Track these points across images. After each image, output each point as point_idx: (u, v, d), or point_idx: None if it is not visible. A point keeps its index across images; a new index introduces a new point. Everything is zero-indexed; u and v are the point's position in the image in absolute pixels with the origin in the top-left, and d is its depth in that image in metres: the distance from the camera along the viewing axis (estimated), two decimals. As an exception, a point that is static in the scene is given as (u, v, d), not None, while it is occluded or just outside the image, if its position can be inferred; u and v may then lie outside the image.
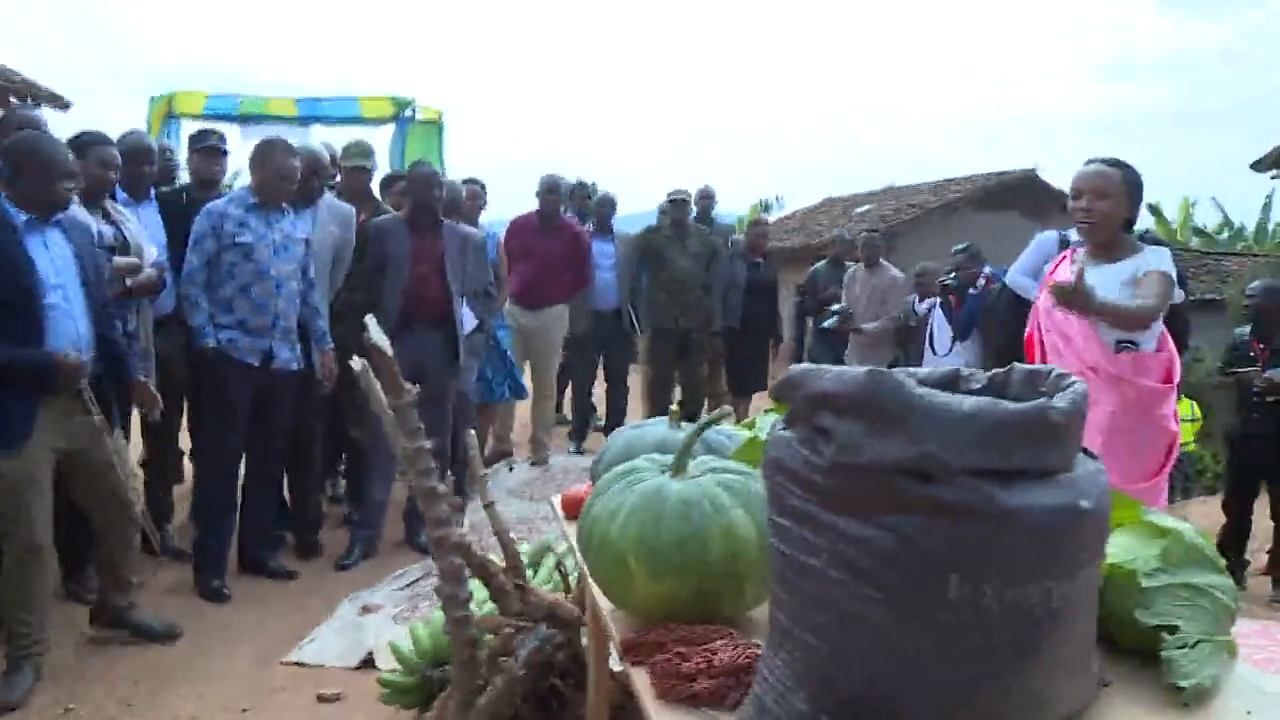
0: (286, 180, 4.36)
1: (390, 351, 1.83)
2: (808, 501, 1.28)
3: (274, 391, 4.38)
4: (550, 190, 6.53)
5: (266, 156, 4.37)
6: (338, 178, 5.42)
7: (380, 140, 10.78)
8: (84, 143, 3.86)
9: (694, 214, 7.40)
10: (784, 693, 1.31)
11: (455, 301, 5.01)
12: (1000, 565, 1.19)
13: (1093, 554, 1.27)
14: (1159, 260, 3.26)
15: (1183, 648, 1.49)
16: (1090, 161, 3.29)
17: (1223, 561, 1.64)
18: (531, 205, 6.73)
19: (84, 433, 3.33)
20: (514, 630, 2.27)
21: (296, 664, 3.54)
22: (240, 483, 4.50)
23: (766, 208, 30.83)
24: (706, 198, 7.85)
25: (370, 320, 1.82)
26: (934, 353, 6.39)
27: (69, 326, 3.26)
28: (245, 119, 9.99)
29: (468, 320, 5.36)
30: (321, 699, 3.24)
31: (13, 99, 10.90)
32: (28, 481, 3.20)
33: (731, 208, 26.39)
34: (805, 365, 1.32)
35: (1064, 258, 3.49)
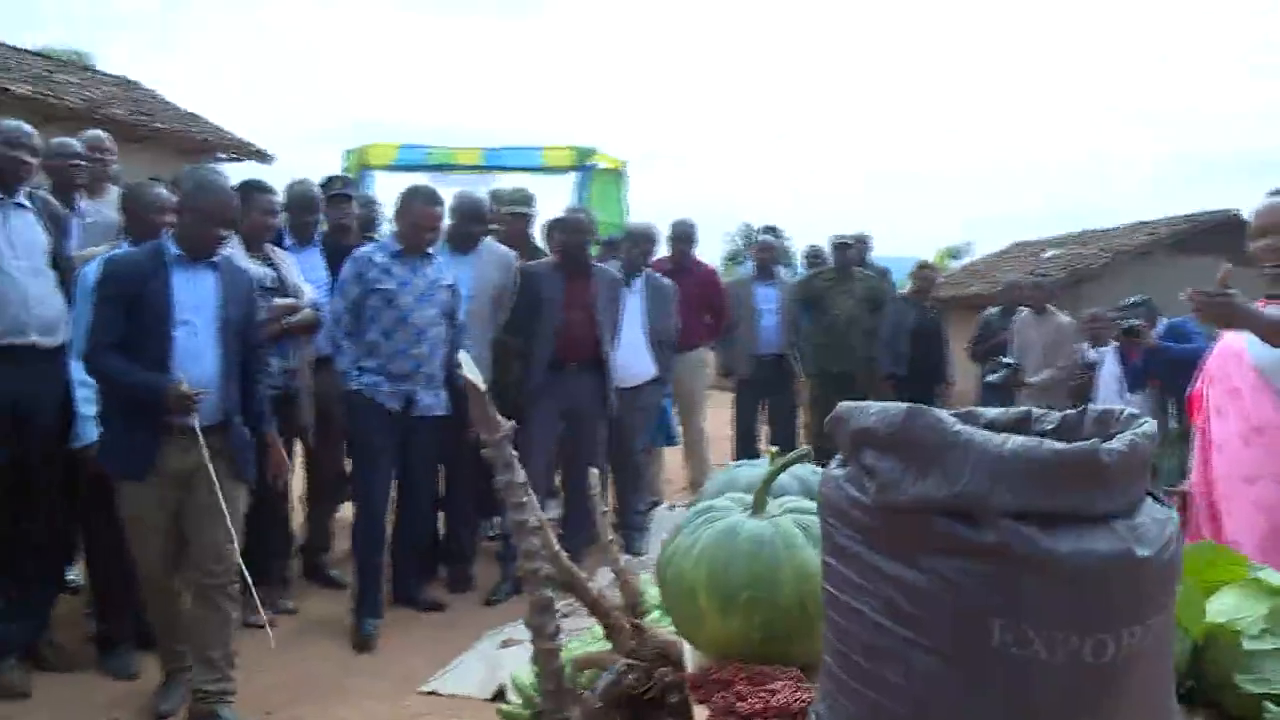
0: (426, 229, 4.44)
1: (483, 386, 1.89)
2: (854, 540, 1.25)
3: (418, 436, 4.44)
4: (682, 239, 6.60)
5: (408, 205, 4.46)
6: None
7: (563, 189, 11.20)
8: (248, 190, 4.15)
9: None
10: (829, 736, 1.28)
11: (606, 344, 5.08)
12: (1046, 613, 1.13)
13: (1155, 606, 1.19)
14: None
15: (1290, 718, 1.38)
16: (1274, 192, 2.87)
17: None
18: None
19: (194, 473, 3.25)
20: (625, 668, 2.28)
21: (433, 693, 3.65)
22: (392, 520, 4.61)
23: (956, 254, 30.19)
24: (862, 241, 7.74)
25: (463, 355, 1.89)
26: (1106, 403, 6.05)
27: (193, 365, 3.26)
28: (434, 169, 10.53)
29: (645, 369, 5.46)
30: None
31: (220, 154, 11.83)
32: (146, 513, 3.26)
33: (918, 253, 25.92)
34: (854, 403, 1.30)
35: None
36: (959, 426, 1.17)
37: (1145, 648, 1.18)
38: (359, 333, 4.34)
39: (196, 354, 3.29)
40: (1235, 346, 2.86)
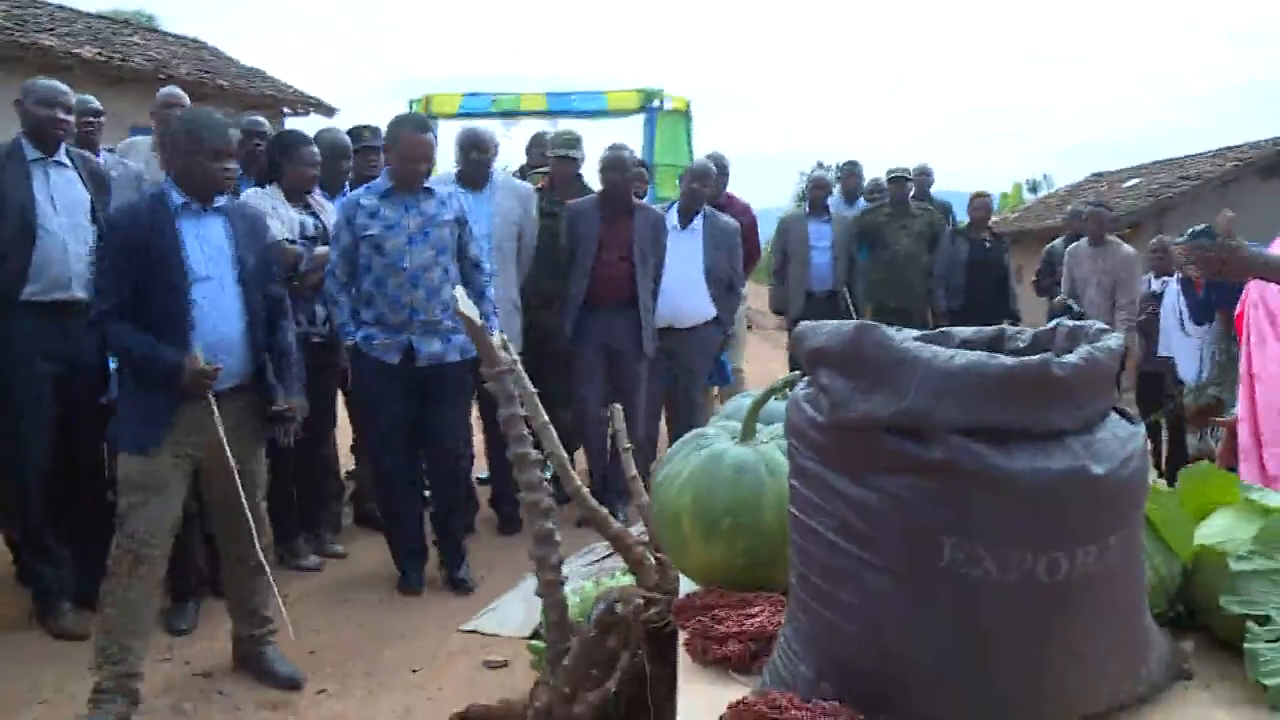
0: (415, 160, 4.03)
1: (479, 320, 1.91)
2: (812, 460, 1.25)
3: (431, 388, 4.12)
4: (719, 172, 6.34)
5: (394, 136, 4.10)
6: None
7: (630, 131, 11.13)
8: (290, 142, 4.20)
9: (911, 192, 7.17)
10: (792, 658, 1.29)
11: (642, 286, 4.96)
12: (998, 531, 1.12)
13: (1112, 524, 1.16)
14: None
15: (1274, 641, 1.35)
16: None
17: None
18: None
19: (210, 443, 3.07)
20: (644, 601, 2.31)
21: (474, 632, 3.73)
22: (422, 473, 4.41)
23: (1034, 187, 29.42)
24: (924, 174, 7.58)
25: (459, 290, 1.91)
26: (1167, 337, 5.87)
27: (216, 325, 3.06)
28: (499, 116, 10.51)
29: (702, 309, 5.34)
30: (488, 665, 3.42)
31: (285, 109, 11.98)
32: (150, 488, 3.02)
33: (997, 187, 25.32)
34: (812, 322, 1.29)
35: None
36: (907, 343, 1.16)
37: (1105, 567, 1.16)
38: (354, 283, 4.08)
39: (219, 313, 3.09)
40: None
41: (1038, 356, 1.13)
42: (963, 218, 7.67)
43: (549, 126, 11.23)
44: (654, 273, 5.08)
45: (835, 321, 1.23)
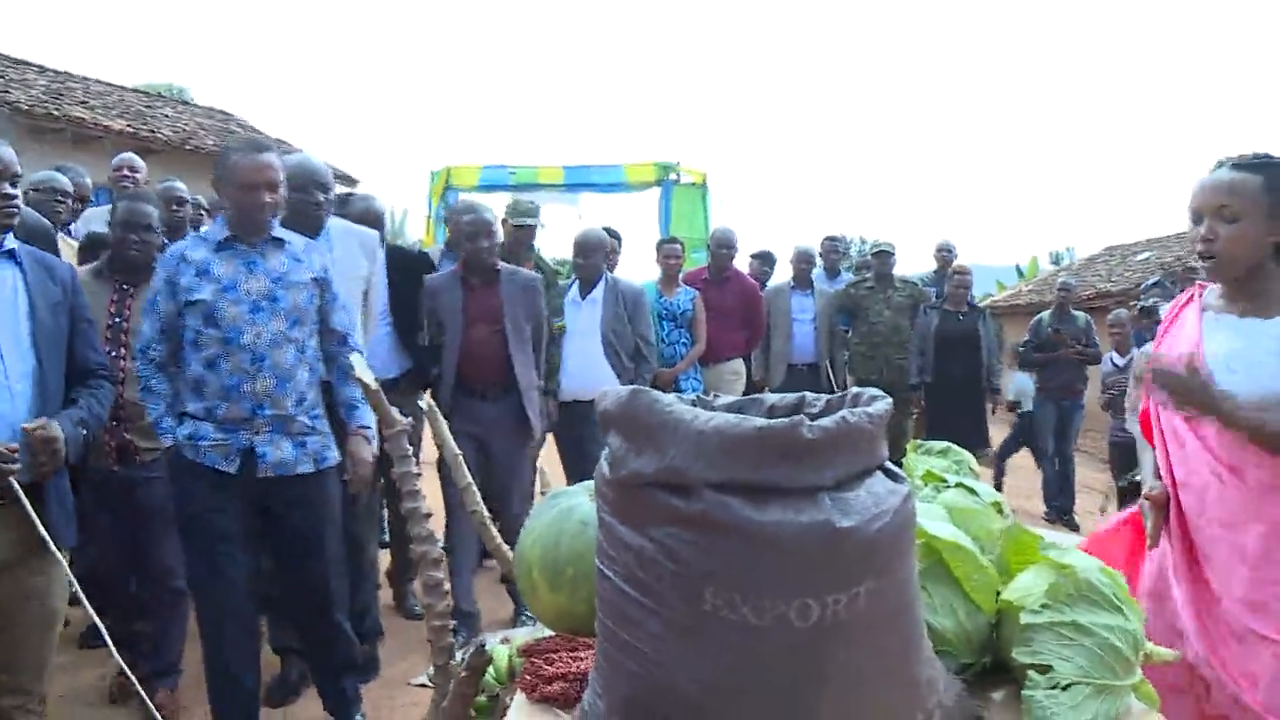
0: (258, 189, 2.99)
1: (375, 386, 2.04)
2: (605, 513, 1.36)
3: (271, 506, 3.05)
4: (722, 245, 6.51)
5: (225, 166, 3.03)
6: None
7: (648, 205, 11.35)
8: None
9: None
10: (595, 695, 1.40)
11: (519, 360, 4.38)
12: (751, 579, 1.22)
13: (862, 574, 1.26)
14: None
15: (1053, 689, 1.44)
16: (1219, 165, 2.19)
17: (1136, 605, 1.55)
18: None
19: (9, 545, 2.40)
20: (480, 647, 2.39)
21: (423, 685, 3.80)
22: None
23: (1057, 260, 29.47)
24: (946, 250, 7.79)
25: (355, 356, 2.04)
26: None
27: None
28: (518, 189, 10.65)
29: (601, 380, 4.81)
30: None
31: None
32: None
33: (1016, 259, 25.43)
34: (609, 388, 1.41)
35: (1189, 299, 2.37)
36: (671, 406, 1.28)
37: (859, 613, 1.26)
38: (178, 365, 3.06)
39: (4, 387, 2.38)
40: (1187, 347, 2.23)
41: (787, 420, 1.24)
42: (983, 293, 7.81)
43: (569, 201, 11.54)
44: (535, 340, 4.54)
45: (620, 386, 1.36)
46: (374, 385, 2.04)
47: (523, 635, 4.56)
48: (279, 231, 3.12)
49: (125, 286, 3.53)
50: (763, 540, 1.21)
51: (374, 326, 4.08)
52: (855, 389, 1.43)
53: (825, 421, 1.26)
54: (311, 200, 3.59)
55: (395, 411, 2.09)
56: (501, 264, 4.47)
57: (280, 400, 2.98)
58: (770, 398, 1.52)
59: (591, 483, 1.91)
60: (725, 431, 1.23)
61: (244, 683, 3.06)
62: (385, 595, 4.76)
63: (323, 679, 3.31)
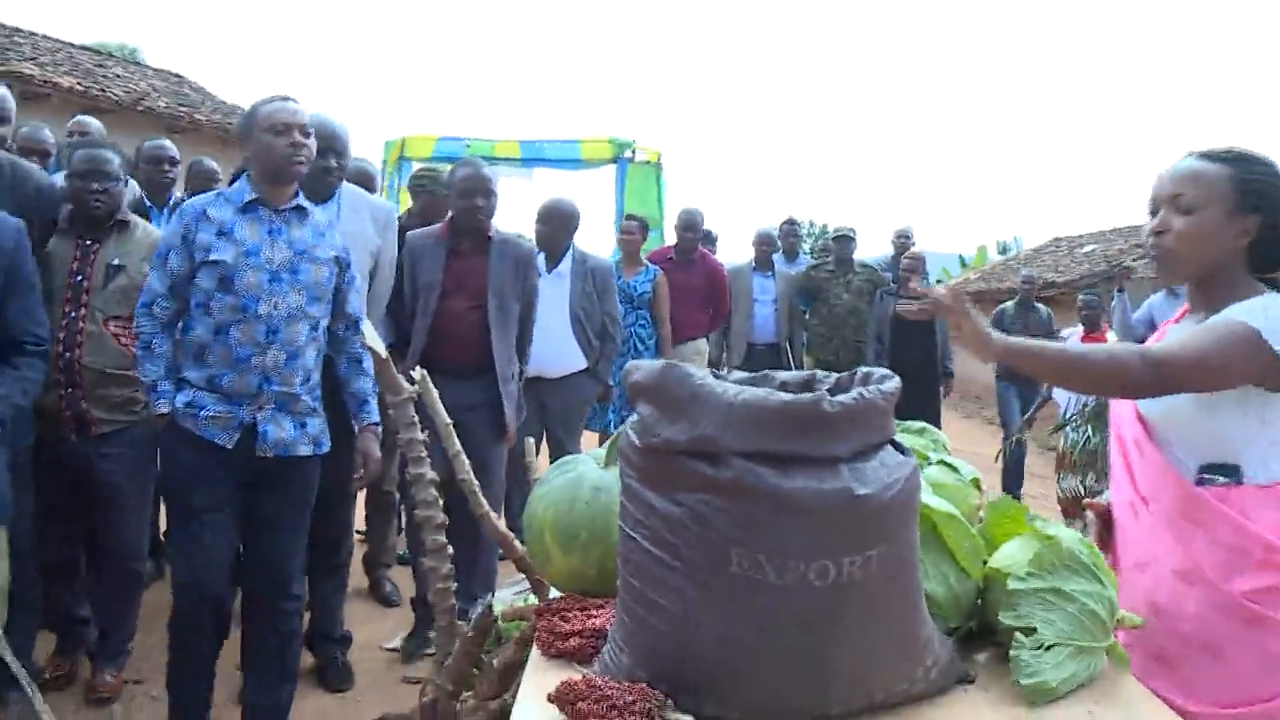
0: (290, 130, 2.84)
1: (385, 355, 2.11)
2: (633, 480, 1.45)
3: (266, 484, 2.93)
4: (688, 227, 6.59)
5: (255, 115, 2.89)
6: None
7: (603, 182, 11.37)
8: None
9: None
10: (616, 650, 1.49)
11: (499, 341, 3.87)
12: (775, 541, 1.31)
13: (875, 538, 1.36)
14: (1246, 310, 1.78)
15: (1037, 649, 1.55)
16: (1188, 155, 1.94)
17: (1112, 575, 1.66)
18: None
19: None
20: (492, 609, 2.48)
21: (394, 650, 3.86)
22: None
23: (1005, 249, 29.98)
24: (904, 237, 7.99)
25: (365, 324, 2.10)
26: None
27: None
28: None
29: (569, 360, 4.76)
30: (406, 681, 3.54)
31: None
32: None
33: (961, 249, 25.90)
34: (636, 361, 1.50)
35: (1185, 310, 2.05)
36: (702, 380, 1.37)
37: (871, 574, 1.36)
38: (182, 326, 2.92)
39: None
40: None
41: (810, 395, 1.35)
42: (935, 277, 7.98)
43: (524, 175, 11.54)
44: (522, 321, 4.05)
45: (652, 360, 1.44)
46: (384, 354, 2.09)
47: (496, 599, 4.66)
48: (301, 201, 2.97)
49: (88, 242, 3.29)
50: (788, 505, 1.31)
51: (379, 307, 3.80)
52: (865, 369, 1.53)
53: (844, 397, 1.36)
54: (324, 164, 3.39)
55: (401, 379, 2.15)
56: (496, 230, 3.99)
57: (288, 377, 2.83)
58: (781, 374, 1.61)
59: (597, 452, 2.02)
60: (753, 404, 1.33)
61: (206, 656, 2.95)
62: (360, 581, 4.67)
63: (259, 696, 3.06)
